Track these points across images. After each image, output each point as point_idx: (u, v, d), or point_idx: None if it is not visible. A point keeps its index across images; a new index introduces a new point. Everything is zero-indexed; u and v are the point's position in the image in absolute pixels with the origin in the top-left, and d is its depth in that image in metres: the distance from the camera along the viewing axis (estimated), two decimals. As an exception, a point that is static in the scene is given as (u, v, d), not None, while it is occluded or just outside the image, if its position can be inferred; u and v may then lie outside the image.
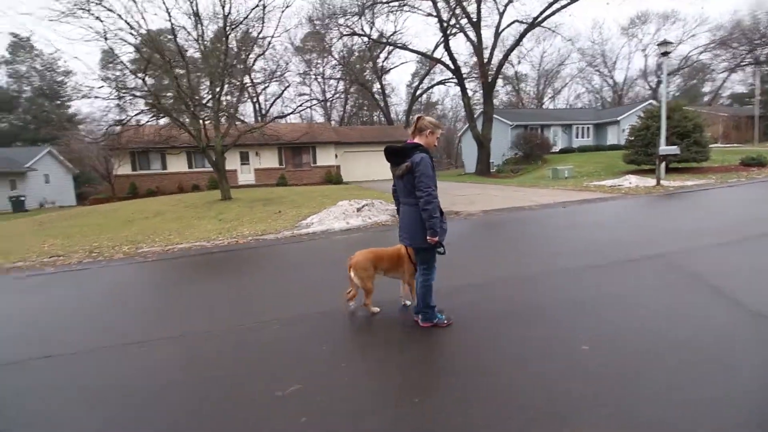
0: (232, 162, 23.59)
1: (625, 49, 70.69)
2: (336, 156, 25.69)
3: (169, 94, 14.50)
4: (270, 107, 51.33)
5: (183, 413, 2.23)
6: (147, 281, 5.66)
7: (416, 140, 3.03)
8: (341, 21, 30.75)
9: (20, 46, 38.59)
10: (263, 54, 19.07)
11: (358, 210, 9.21)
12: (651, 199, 9.67)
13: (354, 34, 31.64)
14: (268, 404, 2.23)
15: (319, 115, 57.23)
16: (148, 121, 14.21)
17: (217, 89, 14.77)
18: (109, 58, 13.94)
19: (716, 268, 4.07)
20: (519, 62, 54.04)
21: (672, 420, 1.89)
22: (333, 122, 54.80)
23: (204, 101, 14.32)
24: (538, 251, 5.60)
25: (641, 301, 3.38)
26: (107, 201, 20.32)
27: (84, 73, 60.99)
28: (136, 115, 14.37)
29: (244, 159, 23.91)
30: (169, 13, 12.76)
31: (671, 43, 12.98)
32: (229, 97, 18.22)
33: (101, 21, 11.79)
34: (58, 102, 40.34)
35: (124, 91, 13.38)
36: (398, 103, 57.75)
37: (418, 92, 48.59)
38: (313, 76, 50.22)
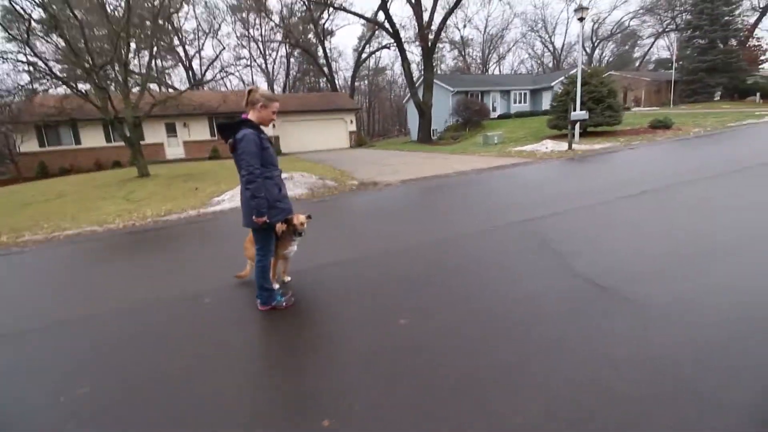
0: (157, 135, 21.90)
1: (563, 14, 72.07)
2: (273, 126, 24.49)
3: (60, 58, 12.84)
4: (205, 72, 47.72)
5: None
6: (13, 276, 5.16)
7: (249, 115, 2.82)
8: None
9: None
10: (180, 4, 17.32)
11: (274, 184, 8.91)
12: (558, 163, 10.21)
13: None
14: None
15: (263, 82, 54.09)
16: (38, 92, 12.56)
17: (123, 51, 13.31)
18: (10, 17, 11.92)
19: (562, 234, 4.37)
20: (464, 26, 53.80)
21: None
22: (278, 90, 52.17)
23: (104, 66, 12.79)
24: (427, 221, 5.75)
25: (486, 267, 3.57)
26: (11, 183, 18.19)
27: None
28: (26, 85, 12.71)
29: (171, 131, 22.19)
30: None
31: (586, 8, 13.37)
32: (150, 61, 16.54)
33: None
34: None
35: (32, 57, 11.62)
36: (346, 68, 55.81)
37: (363, 56, 47.11)
38: (251, 39, 46.96)
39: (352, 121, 28.06)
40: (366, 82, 62.26)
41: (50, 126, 18.97)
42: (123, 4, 13.14)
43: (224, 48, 38.13)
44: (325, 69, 43.44)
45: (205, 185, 10.97)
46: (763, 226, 3.99)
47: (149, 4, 15.16)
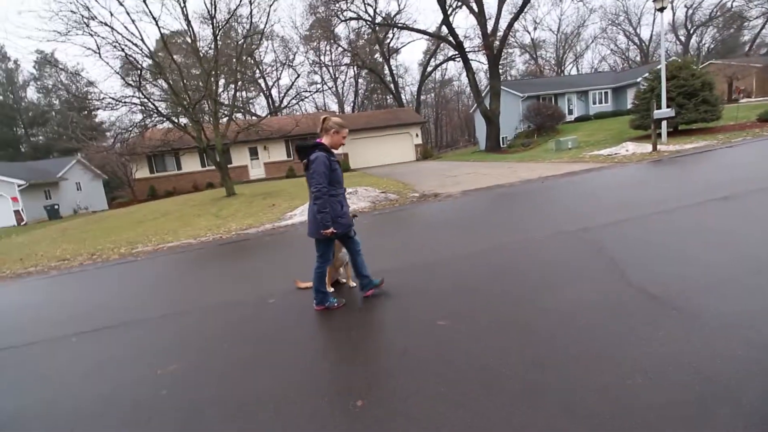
0: (242, 158, 24.46)
1: (650, 2, 65.42)
2: (343, 144, 25.91)
3: (164, 97, 15.17)
4: (282, 99, 52.27)
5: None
6: (128, 279, 6.24)
7: (323, 140, 3.26)
8: (342, 5, 30.66)
9: (46, 61, 40.89)
10: (260, 41, 19.40)
11: (340, 199, 9.50)
12: (638, 167, 9.36)
13: (352, 19, 31.42)
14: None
15: (333, 104, 57.50)
16: (149, 127, 14.95)
17: (213, 88, 15.33)
18: (127, 67, 14.68)
19: (622, 242, 4.09)
20: (535, 28, 51.69)
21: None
22: (347, 109, 54.98)
23: (199, 102, 14.81)
24: (481, 230, 5.70)
25: (534, 274, 3.51)
26: (129, 204, 21.67)
27: (106, 81, 63.69)
28: (139, 122, 15.21)
29: (254, 154, 24.66)
30: (156, 22, 13.26)
31: (667, -3, 12.13)
32: (234, 94, 18.82)
33: (95, 36, 12.46)
34: (85, 112, 42.75)
35: (142, 99, 14.15)
36: (412, 83, 56.92)
37: (429, 69, 47.67)
38: (323, 64, 50.29)
39: (417, 135, 28.50)
40: (433, 94, 62.73)
41: (157, 155, 22.33)
42: (212, 46, 15.19)
43: (299, 75, 41.30)
44: (391, 86, 44.80)
45: (280, 201, 12.04)
46: None
47: (234, 44, 17.29)
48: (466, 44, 28.38)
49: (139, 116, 15.83)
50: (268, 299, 3.84)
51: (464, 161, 20.80)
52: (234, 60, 16.92)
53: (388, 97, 52.88)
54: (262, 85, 48.84)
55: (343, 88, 55.57)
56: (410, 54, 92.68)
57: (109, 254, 8.05)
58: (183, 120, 16.07)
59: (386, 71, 45.20)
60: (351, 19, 32.10)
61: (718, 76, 25.15)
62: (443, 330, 2.74)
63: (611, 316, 2.61)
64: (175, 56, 15.49)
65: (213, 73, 14.83)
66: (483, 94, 27.90)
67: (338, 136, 3.30)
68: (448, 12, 26.13)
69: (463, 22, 70.53)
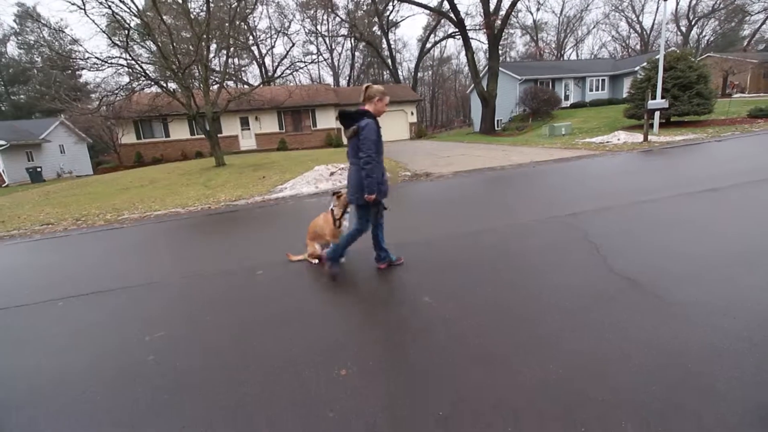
0: (233, 128, 23.93)
1: (656, -11, 64.54)
2: (336, 118, 25.48)
3: (153, 60, 14.61)
4: (276, 68, 50.74)
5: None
6: (115, 246, 6.18)
7: (366, 107, 3.27)
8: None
9: (27, 15, 38.73)
10: (254, 6, 18.70)
11: (331, 174, 9.44)
12: (628, 156, 9.46)
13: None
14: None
15: (329, 76, 56.16)
16: (136, 91, 14.44)
17: (204, 53, 14.79)
18: (114, 26, 13.97)
19: (606, 229, 4.18)
20: (538, 9, 50.67)
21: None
22: (343, 83, 53.78)
23: (189, 67, 14.30)
24: (470, 212, 5.75)
25: (519, 258, 3.59)
26: (115, 170, 21.17)
27: (91, 40, 60.81)
28: (126, 85, 14.67)
29: (245, 124, 24.12)
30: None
31: (673, -16, 11.93)
32: (226, 60, 18.19)
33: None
34: (69, 72, 40.96)
35: (130, 60, 13.55)
36: (410, 59, 55.79)
37: (428, 46, 46.67)
38: (319, 34, 48.73)
39: (413, 113, 28.15)
40: (430, 72, 61.62)
41: (145, 120, 21.69)
42: (204, 8, 14.54)
43: (294, 44, 39.92)
44: (389, 61, 43.81)
45: (271, 174, 11.90)
46: None
47: (227, 7, 16.58)
48: (468, 22, 27.89)
49: (126, 79, 15.23)
50: (256, 271, 3.85)
51: (458, 142, 20.71)
52: (227, 24, 16.27)
53: (384, 73, 51.79)
54: (256, 52, 47.31)
55: (339, 60, 54.16)
56: (409, 29, 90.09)
57: (94, 220, 7.92)
58: (172, 85, 15.55)
59: (384, 45, 44.12)
60: (350, -13, 30.99)
61: (715, 69, 25.19)
62: (429, 307, 2.81)
63: (592, 301, 2.70)
64: (165, 17, 14.80)
65: (204, 37, 14.27)
66: (481, 75, 27.47)
67: (381, 104, 3.31)
68: (450, -14, 25.35)
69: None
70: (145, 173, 15.88)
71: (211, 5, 15.11)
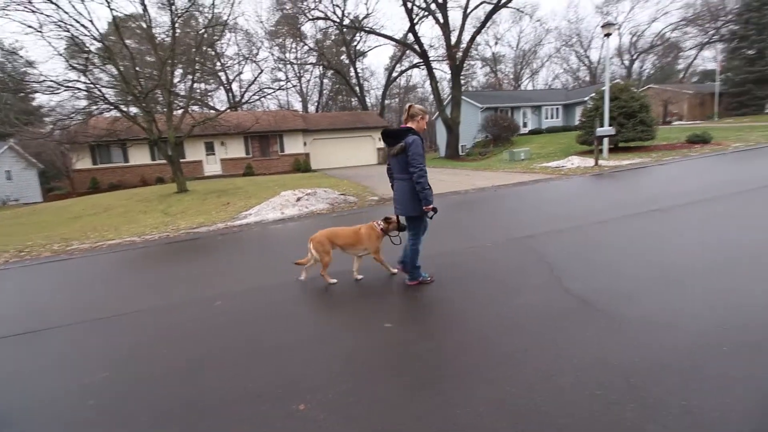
0: (197, 153, 23.39)
1: (599, 27, 70.34)
2: (305, 144, 25.58)
3: (114, 84, 14.22)
4: (243, 94, 50.54)
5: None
6: (60, 279, 5.78)
7: (409, 125, 3.47)
8: (309, 4, 30.33)
9: (-25, 36, 36.81)
10: (221, 33, 18.77)
11: (298, 200, 9.37)
12: (580, 180, 10.04)
13: (320, 18, 31.16)
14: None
15: (297, 102, 56.53)
16: (93, 115, 13.92)
17: (168, 77, 14.56)
18: (73, 49, 13.45)
19: (561, 250, 4.40)
20: (496, 43, 53.89)
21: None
22: (311, 109, 54.26)
23: (152, 91, 14.02)
24: (431, 235, 5.87)
25: (477, 280, 3.69)
26: (67, 196, 20.00)
27: (47, 62, 58.52)
28: (83, 109, 14.13)
29: (210, 149, 23.65)
30: (108, 3, 12.40)
31: (613, 24, 13.20)
32: (191, 85, 17.97)
33: (37, 12, 11.43)
34: (22, 95, 38.93)
35: (88, 84, 13.05)
36: (378, 87, 57.22)
37: (394, 75, 48.24)
38: (287, 62, 49.31)
39: (380, 139, 28.67)
40: (397, 100, 63.48)
41: (102, 145, 20.79)
42: (170, 33, 14.44)
43: (262, 71, 40.10)
44: (356, 88, 44.84)
45: (236, 200, 11.65)
46: (754, 250, 3.86)
47: (194, 32, 16.54)
48: (431, 53, 29.18)
49: (84, 102, 14.68)
50: (215, 302, 3.71)
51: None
52: (193, 50, 16.19)
53: (352, 100, 52.83)
54: (223, 78, 47.10)
55: (307, 87, 54.78)
56: (376, 58, 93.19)
57: (39, 251, 7.40)
58: (133, 109, 15.11)
59: (352, 73, 45.23)
60: (318, 18, 31.80)
61: (655, 99, 27.62)
62: (389, 332, 2.81)
63: (547, 319, 2.80)
64: (127, 41, 14.52)
65: (169, 62, 14.10)
66: (445, 103, 28.63)
67: (423, 122, 3.54)
68: (415, 21, 26.63)
69: (429, 31, 72.20)
70: (99, 200, 15.10)
71: (178, 31, 15.05)
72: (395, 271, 3.96)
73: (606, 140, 13.53)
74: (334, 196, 9.88)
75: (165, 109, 14.94)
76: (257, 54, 48.83)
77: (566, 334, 2.56)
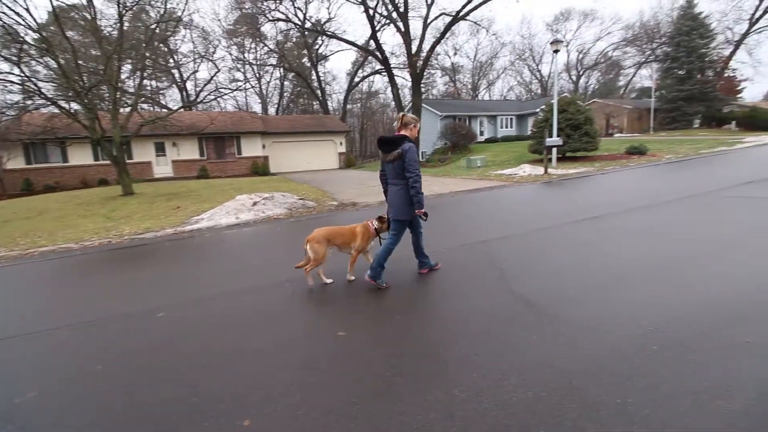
0: (146, 153, 22.11)
1: (552, 46, 74.46)
2: (263, 146, 24.93)
3: (53, 78, 13.14)
4: (198, 94, 48.43)
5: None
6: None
7: (402, 132, 3.65)
8: (270, 5, 29.69)
9: None
10: (174, 28, 17.94)
11: (254, 204, 9.09)
12: (531, 187, 10.55)
13: (280, 20, 30.61)
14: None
15: (257, 104, 55.05)
16: (28, 110, 12.77)
17: (115, 73, 13.66)
18: (5, 39, 12.15)
19: (511, 255, 4.60)
20: (455, 54, 55.64)
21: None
22: (271, 111, 53.04)
23: (96, 87, 13.10)
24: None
25: (430, 285, 3.76)
26: (-6, 199, 18.10)
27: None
28: (16, 104, 12.92)
29: (160, 150, 22.41)
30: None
31: (560, 41, 14.05)
32: (140, 82, 16.95)
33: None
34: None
35: (23, 77, 11.86)
36: (340, 92, 57.04)
37: (356, 80, 48.36)
38: (246, 62, 47.98)
39: (341, 143, 28.57)
40: (359, 105, 63.65)
41: (37, 143, 19.08)
42: (118, 27, 13.57)
43: (219, 70, 38.66)
44: (318, 92, 44.45)
45: (187, 203, 11.11)
46: (684, 253, 4.25)
47: (144, 27, 15.66)
48: (392, 60, 29.57)
49: (17, 96, 13.40)
50: (157, 313, 3.50)
51: (386, 172, 21.36)
52: (143, 45, 15.30)
53: (314, 103, 52.29)
54: (176, 76, 44.95)
55: (267, 88, 53.62)
56: (339, 62, 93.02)
57: (-44, 259, 6.63)
58: (74, 106, 14.02)
59: (314, 77, 44.76)
60: (279, 20, 31.18)
61: (599, 113, 29.71)
62: (343, 340, 2.78)
63: (496, 323, 2.90)
64: (69, 33, 13.46)
65: (115, 56, 13.23)
66: (406, 110, 29.09)
67: (415, 130, 3.75)
68: (376, 28, 26.91)
69: (391, 39, 73.23)
70: (33, 203, 13.82)
71: (126, 24, 14.19)
72: (353, 278, 4.00)
73: (555, 150, 14.32)
74: (293, 201, 9.69)
75: (110, 107, 13.99)
76: (214, 53, 47.08)
77: (514, 338, 2.66)
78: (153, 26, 15.27)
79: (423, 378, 2.27)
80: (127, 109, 15.02)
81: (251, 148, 24.27)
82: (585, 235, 5.29)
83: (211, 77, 48.11)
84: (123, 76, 19.24)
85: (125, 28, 14.09)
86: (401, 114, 3.75)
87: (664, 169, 12.26)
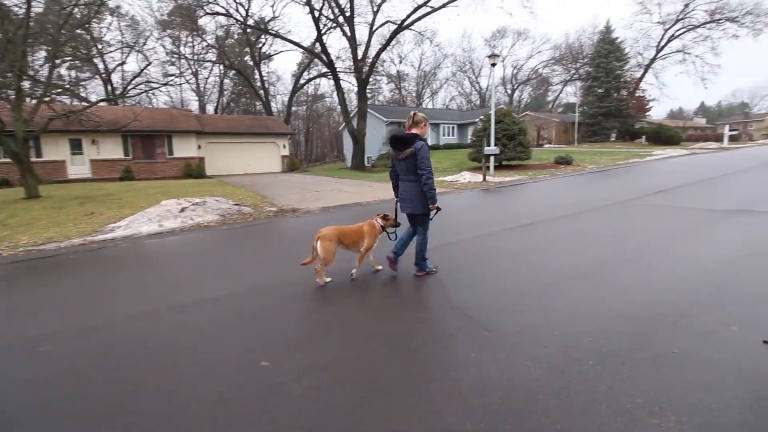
0: (59, 151, 19.68)
1: (489, 60, 78.77)
2: (199, 147, 23.32)
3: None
4: (126, 87, 44.31)
5: None
6: None
7: (414, 131, 3.86)
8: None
9: None
10: (96, 12, 16.12)
11: (182, 210, 8.33)
12: (471, 194, 10.89)
13: (220, 14, 29.00)
14: None
15: (194, 100, 51.68)
16: None
17: (18, 58, 11.89)
18: None
19: (450, 264, 4.59)
20: (401, 62, 56.69)
21: None
22: (209, 109, 50.11)
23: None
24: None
25: (370, 296, 3.59)
26: None
27: None
28: None
29: (76, 148, 20.02)
30: None
31: (497, 56, 14.79)
32: (50, 71, 14.92)
33: None
34: None
35: None
36: (285, 93, 55.36)
37: (302, 82, 47.25)
38: (182, 56, 44.94)
39: (285, 146, 27.65)
40: (305, 107, 62.38)
41: None
42: (26, 6, 11.85)
43: (150, 63, 35.72)
44: (261, 92, 42.78)
45: (103, 209, 9.93)
46: (612, 259, 4.52)
47: (59, 8, 13.89)
48: (338, 64, 29.17)
49: None
50: (39, 346, 2.92)
51: (330, 177, 20.99)
52: (60, 29, 13.51)
53: (257, 104, 50.28)
54: (101, 66, 40.74)
55: (205, 85, 50.68)
56: (284, 63, 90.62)
57: None
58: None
59: (257, 76, 42.99)
60: (218, 14, 29.48)
61: (531, 124, 31.83)
62: (265, 371, 2.48)
63: (434, 339, 2.77)
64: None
65: (19, 39, 11.53)
66: (351, 114, 28.91)
67: (425, 127, 3.97)
68: (322, 31, 26.51)
69: (337, 42, 72.84)
70: None
71: (41, 6, 12.47)
72: (380, 267, 4.24)
73: (492, 158, 14.96)
74: (227, 207, 9.03)
75: (13, 96, 12.16)
76: (144, 44, 43.46)
77: (453, 355, 2.54)
78: (70, 8, 13.60)
79: (355, 409, 2.06)
80: (36, 101, 13.19)
81: (185, 149, 22.58)
82: (520, 242, 5.43)
83: (141, 70, 44.40)
84: (37, 64, 17.05)
85: (35, 7, 12.40)
86: (412, 113, 3.92)
87: (588, 178, 13.30)
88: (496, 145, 14.81)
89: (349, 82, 34.50)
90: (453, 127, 34.71)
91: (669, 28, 38.71)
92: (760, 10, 33.76)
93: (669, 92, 70.89)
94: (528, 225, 6.34)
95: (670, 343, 2.56)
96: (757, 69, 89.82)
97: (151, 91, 40.94)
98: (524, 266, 4.34)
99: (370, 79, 31.68)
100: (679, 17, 37.56)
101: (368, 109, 28.87)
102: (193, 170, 21.69)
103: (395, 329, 2.97)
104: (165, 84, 31.46)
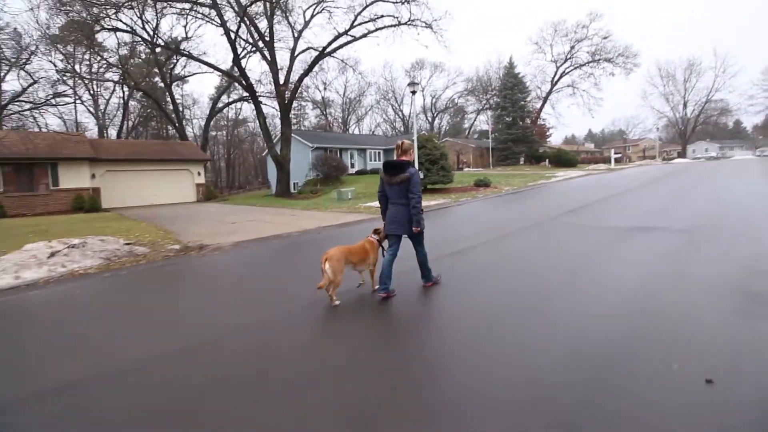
0: None
1: (409, 87, 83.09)
2: (93, 176, 20.39)
3: None
4: (6, 106, 37.93)
5: None
6: None
7: (404, 158, 4.11)
8: (109, 11, 25.26)
9: None
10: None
11: (52, 255, 6.78)
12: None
13: (122, 31, 26.38)
14: None
15: (93, 125, 46.05)
16: None
17: None
18: None
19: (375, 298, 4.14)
20: (325, 88, 57.04)
21: None
22: (112, 133, 45.05)
23: None
24: (235, 298, 4.90)
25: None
26: None
27: None
28: None
29: None
30: None
31: (417, 83, 15.29)
32: None
33: None
34: None
35: None
36: (202, 116, 51.95)
37: (219, 106, 44.83)
38: (76, 75, 40.01)
39: (200, 173, 25.54)
40: (225, 132, 59.26)
41: None
42: None
43: (35, 81, 31.12)
44: (173, 116, 39.62)
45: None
46: (544, 283, 4.43)
47: None
48: (259, 88, 27.99)
49: None
50: None
51: (251, 205, 19.62)
52: None
53: (169, 128, 46.43)
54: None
55: (106, 107, 45.60)
56: (201, 85, 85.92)
57: None
58: None
59: (168, 99, 39.76)
60: (120, 30, 26.74)
61: (451, 149, 33.57)
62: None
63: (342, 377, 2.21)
64: None
65: None
66: (275, 140, 27.84)
67: (413, 154, 4.43)
68: (240, 54, 25.46)
69: (257, 66, 71.29)
70: None
71: None
72: (363, 282, 4.55)
73: (418, 183, 15.15)
74: (115, 248, 7.60)
75: None
76: (29, 60, 37.95)
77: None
78: None
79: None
80: None
81: (74, 179, 19.54)
82: (449, 272, 5.15)
83: (24, 89, 38.40)
84: None
85: None
86: (400, 141, 4.15)
87: (506, 199, 13.99)
88: (419, 169, 15.03)
89: (272, 107, 33.43)
90: (379, 152, 35.25)
91: (560, 66, 44.43)
92: (629, 52, 40.57)
93: (564, 120, 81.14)
94: (456, 253, 6.16)
95: (615, 381, 2.30)
96: (630, 101, 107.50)
97: (33, 112, 35.31)
98: (457, 301, 4.01)
99: (294, 105, 31.09)
100: (568, 56, 43.38)
101: (293, 135, 28.11)
102: (85, 203, 18.77)
103: (319, 362, 2.34)
104: (45, 104, 27.27)
